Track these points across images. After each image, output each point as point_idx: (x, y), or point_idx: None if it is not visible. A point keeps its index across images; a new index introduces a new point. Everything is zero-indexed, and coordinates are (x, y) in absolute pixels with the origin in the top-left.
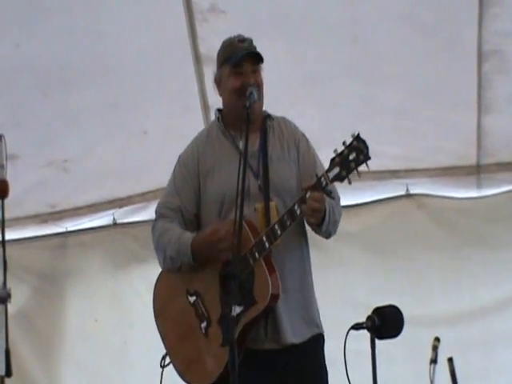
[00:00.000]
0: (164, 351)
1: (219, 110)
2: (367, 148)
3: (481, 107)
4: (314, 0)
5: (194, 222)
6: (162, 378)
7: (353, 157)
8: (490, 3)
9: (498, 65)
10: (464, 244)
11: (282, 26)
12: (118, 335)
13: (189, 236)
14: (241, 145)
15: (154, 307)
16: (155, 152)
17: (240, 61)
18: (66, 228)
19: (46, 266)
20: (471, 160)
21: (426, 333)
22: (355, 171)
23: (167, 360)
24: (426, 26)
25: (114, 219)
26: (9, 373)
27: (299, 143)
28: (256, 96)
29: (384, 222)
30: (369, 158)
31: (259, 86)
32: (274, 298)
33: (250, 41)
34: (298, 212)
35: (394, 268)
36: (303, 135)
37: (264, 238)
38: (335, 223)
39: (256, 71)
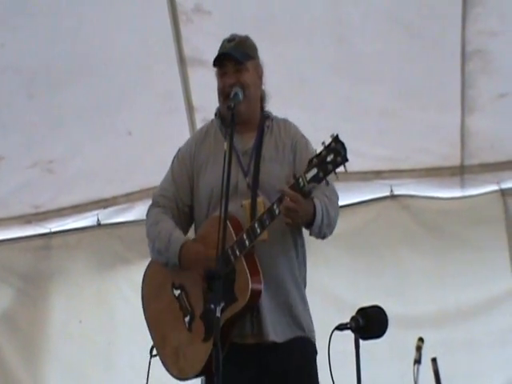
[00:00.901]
0: (149, 350)
1: None
2: (345, 150)
3: (464, 107)
4: (298, 0)
5: (188, 214)
6: (149, 366)
7: (330, 158)
8: (473, 3)
9: (482, 64)
10: (448, 244)
11: (266, 27)
12: (103, 336)
13: (179, 237)
14: (225, 145)
15: (142, 296)
16: (140, 153)
17: (221, 61)
18: (50, 229)
19: (30, 267)
20: (455, 161)
21: (410, 333)
22: (333, 173)
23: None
24: (410, 26)
25: (98, 220)
26: None
27: (296, 145)
28: (241, 96)
29: (368, 223)
30: (346, 161)
31: (243, 85)
32: (256, 294)
33: (241, 40)
34: (277, 211)
35: (378, 269)
36: (303, 137)
37: (244, 236)
38: (329, 225)
39: (239, 71)
